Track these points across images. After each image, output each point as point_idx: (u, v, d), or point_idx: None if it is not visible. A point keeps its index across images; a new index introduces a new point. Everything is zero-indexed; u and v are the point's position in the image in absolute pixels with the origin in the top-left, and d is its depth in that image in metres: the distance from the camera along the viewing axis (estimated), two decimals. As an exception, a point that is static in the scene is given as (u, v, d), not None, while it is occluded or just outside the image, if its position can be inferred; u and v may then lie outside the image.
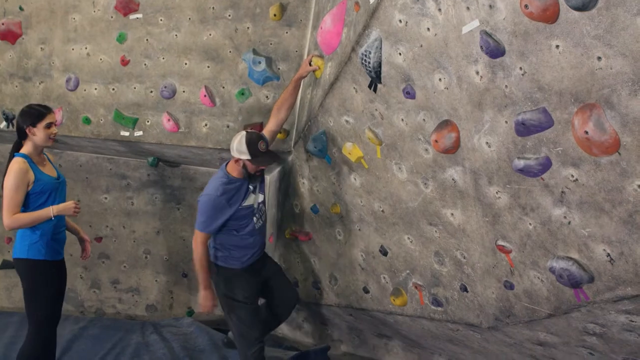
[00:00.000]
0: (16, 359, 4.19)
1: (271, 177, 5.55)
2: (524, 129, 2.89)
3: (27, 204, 4.07)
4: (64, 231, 4.34)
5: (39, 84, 5.59)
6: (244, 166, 4.33)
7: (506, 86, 2.90)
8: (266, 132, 4.54)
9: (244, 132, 4.34)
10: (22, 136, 4.14)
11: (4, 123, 5.74)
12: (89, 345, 5.39)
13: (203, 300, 4.51)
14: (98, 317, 6.27)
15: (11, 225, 4.00)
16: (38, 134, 4.10)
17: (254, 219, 4.51)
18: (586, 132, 2.58)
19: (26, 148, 4.14)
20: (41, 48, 5.55)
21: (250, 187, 4.46)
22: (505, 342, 4.02)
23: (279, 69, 5.03)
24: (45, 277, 4.14)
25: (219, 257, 4.55)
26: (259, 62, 4.98)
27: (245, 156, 4.26)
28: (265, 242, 4.82)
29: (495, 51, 2.85)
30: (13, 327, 5.85)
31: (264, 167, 4.41)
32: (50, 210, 4.05)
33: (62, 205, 4.11)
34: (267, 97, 5.07)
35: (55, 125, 4.20)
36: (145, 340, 5.66)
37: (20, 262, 4.15)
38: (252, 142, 4.24)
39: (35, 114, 4.12)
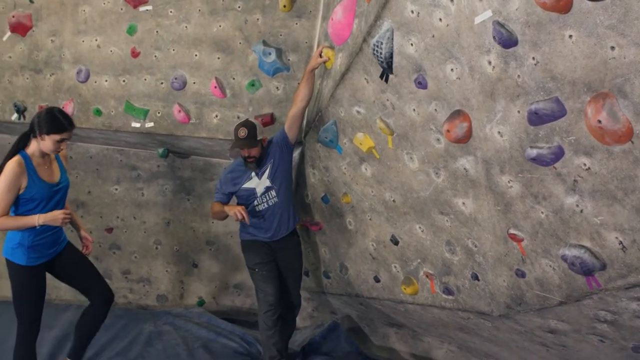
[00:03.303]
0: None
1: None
2: (536, 118, 2.92)
3: (16, 206, 3.95)
4: (56, 232, 4.18)
5: (50, 76, 5.62)
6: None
7: (519, 76, 2.92)
8: (288, 116, 4.79)
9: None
10: (32, 134, 4.00)
11: (15, 115, 5.77)
12: (101, 335, 5.40)
13: (229, 210, 4.69)
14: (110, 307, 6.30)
15: None
16: (47, 142, 3.94)
17: (255, 202, 4.82)
18: (599, 121, 2.60)
19: (31, 147, 4.00)
20: (51, 40, 5.57)
21: (254, 172, 4.77)
22: (515, 330, 4.06)
23: (289, 60, 5.05)
24: (27, 282, 4.08)
25: (240, 231, 5.04)
26: (269, 54, 5.00)
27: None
28: (286, 230, 4.94)
29: (508, 41, 2.87)
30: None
31: (248, 153, 4.67)
32: (36, 220, 3.89)
33: (49, 215, 3.92)
34: (277, 88, 5.10)
35: (65, 142, 4.03)
36: (157, 330, 5.72)
37: (6, 261, 4.09)
38: (235, 129, 4.67)
39: (55, 125, 3.94)
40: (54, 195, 4.03)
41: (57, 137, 3.94)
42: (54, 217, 3.92)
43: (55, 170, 4.13)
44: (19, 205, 3.93)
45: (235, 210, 4.59)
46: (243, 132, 4.59)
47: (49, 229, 4.08)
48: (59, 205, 4.10)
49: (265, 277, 4.88)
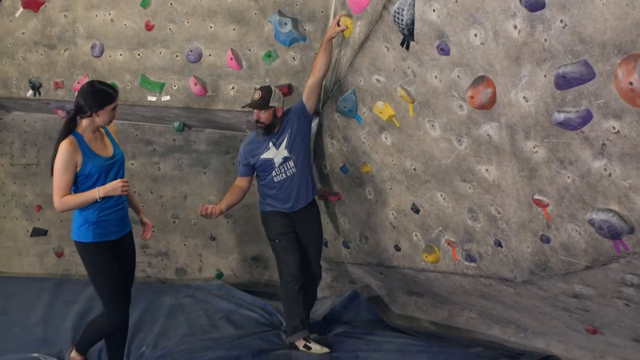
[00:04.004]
0: (89, 321, 4.36)
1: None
2: (564, 82, 2.89)
3: (76, 185, 3.95)
4: (121, 209, 4.15)
5: (64, 51, 5.60)
6: None
7: (545, 40, 2.89)
8: (306, 86, 4.79)
9: None
10: (81, 115, 3.94)
11: (31, 92, 5.77)
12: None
13: (209, 209, 4.79)
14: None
15: (60, 208, 3.92)
16: (103, 116, 3.94)
17: (273, 172, 4.83)
18: (630, 83, 2.57)
19: (81, 126, 3.96)
20: (64, 15, 5.54)
21: (271, 142, 4.77)
22: (538, 295, 4.07)
23: (305, 29, 5.01)
24: (97, 259, 4.07)
25: (260, 203, 5.05)
26: (285, 24, 4.96)
27: None
28: (305, 200, 4.94)
29: (534, 4, 2.83)
30: (48, 292, 5.98)
31: (258, 118, 4.68)
32: (96, 192, 3.89)
33: (108, 186, 3.92)
34: (293, 58, 5.07)
35: (117, 108, 4.05)
36: (178, 302, 5.77)
37: (75, 244, 4.12)
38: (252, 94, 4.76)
39: (106, 96, 3.93)
40: (110, 169, 4.02)
41: (110, 106, 3.94)
42: (113, 186, 3.91)
43: (108, 144, 4.12)
44: (78, 184, 3.94)
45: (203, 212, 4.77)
46: (257, 95, 4.63)
47: (113, 205, 4.06)
48: (117, 178, 4.06)
49: (286, 248, 4.90)
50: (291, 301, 4.87)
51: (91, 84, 4.03)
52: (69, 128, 3.95)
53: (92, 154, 3.95)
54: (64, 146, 3.86)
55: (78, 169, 3.90)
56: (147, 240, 6.27)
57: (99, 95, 3.92)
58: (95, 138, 4.03)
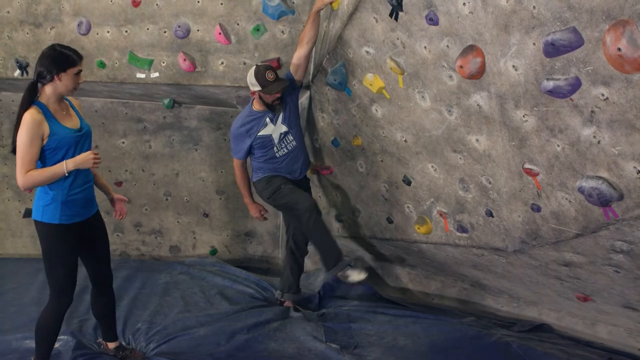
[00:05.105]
0: (36, 325, 4.02)
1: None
2: (553, 49, 2.88)
3: (43, 161, 3.64)
4: (88, 189, 3.87)
5: (50, 29, 5.53)
6: (261, 97, 4.66)
7: (534, 7, 2.88)
8: (294, 57, 4.75)
9: (254, 66, 4.66)
10: (42, 81, 3.62)
11: (18, 71, 5.71)
12: (119, 286, 5.48)
13: (250, 210, 5.24)
14: (125, 259, 6.36)
15: (25, 185, 3.56)
16: (65, 81, 3.63)
17: (274, 148, 4.81)
18: (619, 49, 2.57)
19: (44, 95, 3.65)
20: (49, -8, 5.48)
21: (268, 118, 4.73)
22: (530, 264, 4.10)
23: (293, 2, 4.96)
24: (61, 242, 3.77)
25: (254, 174, 5.04)
26: (273, -3, 4.93)
27: (257, 87, 4.59)
28: (305, 170, 5.02)
29: (522, -29, 2.82)
30: (42, 273, 5.90)
31: (278, 94, 4.63)
32: (64, 166, 3.58)
33: (78, 158, 3.61)
34: (282, 32, 5.03)
35: (81, 74, 3.75)
36: (173, 280, 5.78)
37: (36, 224, 3.78)
38: (260, 73, 4.57)
39: (68, 59, 3.63)
40: (79, 142, 3.75)
41: (74, 70, 3.66)
42: (84, 158, 3.63)
43: (74, 116, 3.85)
44: (45, 158, 3.66)
45: (252, 213, 5.22)
46: (272, 75, 4.54)
47: (82, 184, 3.80)
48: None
49: (293, 189, 4.79)
50: (321, 233, 4.72)
51: (52, 47, 3.73)
52: (31, 97, 3.64)
53: (60, 125, 3.66)
54: (29, 116, 3.55)
55: (45, 141, 3.60)
56: (140, 218, 6.35)
57: (60, 57, 3.64)
58: (60, 109, 3.74)
